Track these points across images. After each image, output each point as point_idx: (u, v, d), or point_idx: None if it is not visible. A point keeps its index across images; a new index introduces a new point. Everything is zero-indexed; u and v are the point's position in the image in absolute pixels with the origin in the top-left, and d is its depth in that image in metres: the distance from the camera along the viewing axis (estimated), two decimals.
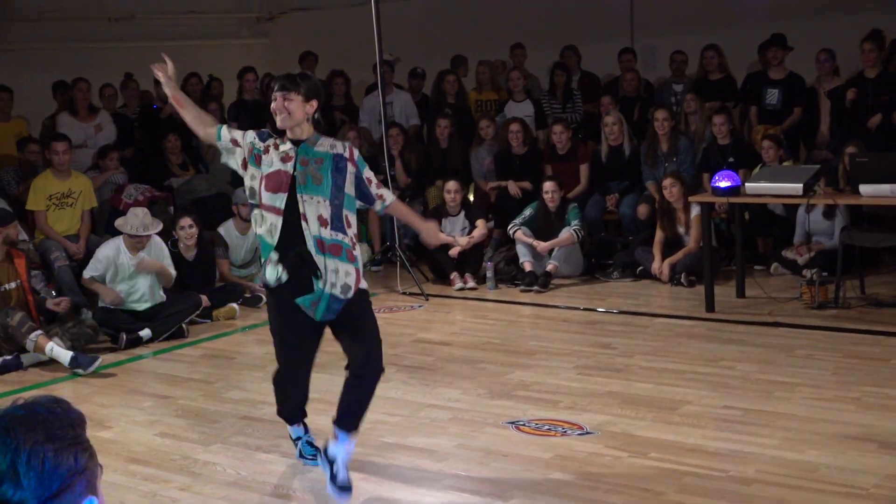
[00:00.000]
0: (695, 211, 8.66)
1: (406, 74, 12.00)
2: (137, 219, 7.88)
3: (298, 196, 4.43)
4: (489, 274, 9.06)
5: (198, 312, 8.01)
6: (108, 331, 7.59)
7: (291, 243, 4.46)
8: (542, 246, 9.09)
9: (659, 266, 8.81)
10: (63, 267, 8.33)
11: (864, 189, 7.15)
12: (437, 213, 9.54)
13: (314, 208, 4.43)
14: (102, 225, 9.24)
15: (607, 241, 9.74)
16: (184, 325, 7.81)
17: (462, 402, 5.79)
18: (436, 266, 9.43)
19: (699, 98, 10.09)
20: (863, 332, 6.84)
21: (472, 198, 10.28)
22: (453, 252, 9.20)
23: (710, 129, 9.62)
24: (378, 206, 4.74)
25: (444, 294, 8.92)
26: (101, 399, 6.26)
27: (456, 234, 9.34)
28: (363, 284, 4.60)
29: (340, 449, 4.50)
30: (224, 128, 4.75)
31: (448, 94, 11.24)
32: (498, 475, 4.67)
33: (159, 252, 7.99)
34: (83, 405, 5.97)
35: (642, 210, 9.52)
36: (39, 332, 6.98)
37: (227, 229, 9.08)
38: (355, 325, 4.55)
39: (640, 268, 9.03)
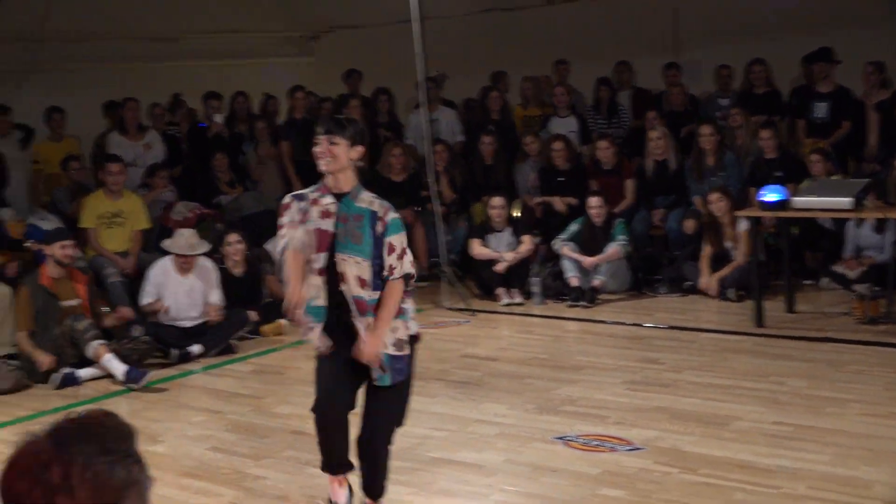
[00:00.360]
0: (742, 225, 8.60)
1: (452, 90, 12.04)
2: (184, 238, 7.97)
3: (337, 255, 4.22)
4: (535, 289, 9.05)
5: (246, 328, 8.07)
6: (159, 346, 7.68)
7: (335, 305, 4.28)
8: (588, 261, 9.06)
9: (706, 281, 8.75)
10: (115, 283, 8.43)
11: None
12: (483, 229, 9.55)
13: (353, 268, 4.20)
14: (152, 243, 9.33)
15: (654, 255, 9.69)
16: (233, 341, 7.87)
17: (509, 417, 5.78)
18: (482, 282, 9.43)
19: (745, 112, 10.02)
20: None
21: (517, 213, 10.27)
22: (499, 268, 9.20)
23: (756, 143, 9.56)
24: (384, 274, 4.26)
25: (491, 309, 8.92)
26: (152, 414, 6.32)
27: (502, 250, 9.34)
28: (413, 329, 4.37)
29: None
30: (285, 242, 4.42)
31: (492, 111, 11.25)
32: (546, 491, 4.66)
33: (207, 274, 8.07)
34: (135, 420, 6.03)
35: (689, 225, 9.47)
36: (102, 341, 7.12)
37: (276, 246, 9.12)
38: (380, 390, 4.33)
39: (688, 282, 8.98)
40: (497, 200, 9.43)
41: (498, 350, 7.47)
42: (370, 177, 10.87)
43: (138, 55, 12.60)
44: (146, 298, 7.93)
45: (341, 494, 4.58)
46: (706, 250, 8.90)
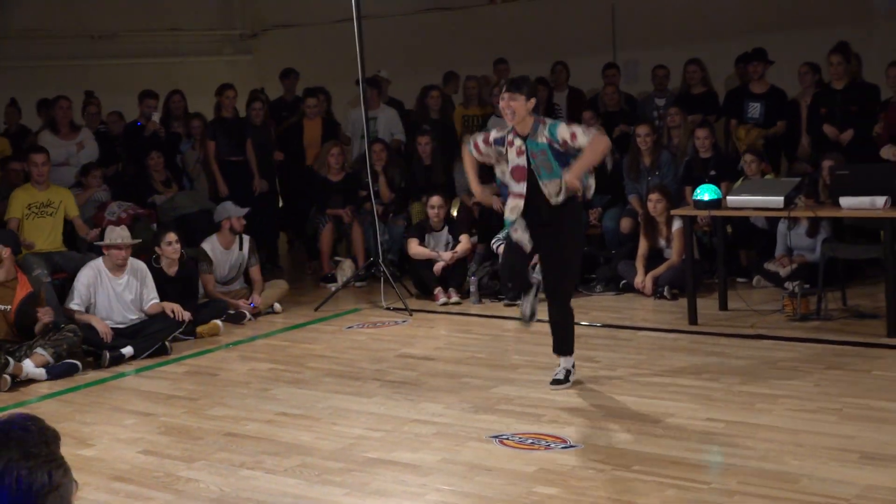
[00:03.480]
0: (677, 224, 8.69)
1: (394, 89, 12.04)
2: (115, 232, 7.89)
3: (540, 182, 5.78)
4: (473, 288, 9.07)
5: (181, 329, 7.99)
6: (90, 349, 7.56)
7: (530, 216, 5.88)
8: None
9: (642, 279, 8.83)
10: (45, 284, 8.30)
11: (845, 202, 7.19)
12: (421, 228, 9.55)
13: (551, 187, 5.77)
14: (86, 242, 9.21)
15: (590, 255, 9.72)
16: (167, 343, 7.79)
17: (446, 416, 5.79)
18: (419, 281, 9.43)
19: (682, 112, 10.13)
20: (844, 344, 6.87)
21: (455, 213, 10.29)
22: (437, 267, 9.21)
23: (692, 142, 9.66)
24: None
25: (428, 309, 8.92)
26: (83, 417, 6.23)
27: (440, 250, 9.35)
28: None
29: (560, 367, 6.22)
30: (471, 146, 6.13)
31: (432, 110, 11.26)
32: (482, 489, 4.67)
33: (144, 274, 7.99)
34: (65, 423, 5.99)
35: (625, 224, 9.55)
36: (12, 364, 6.94)
37: (212, 244, 9.06)
38: (550, 250, 6.01)
39: (623, 281, 9.05)
40: (435, 200, 9.44)
41: (435, 350, 7.48)
42: (308, 175, 10.87)
43: (75, 54, 12.44)
44: (74, 303, 7.78)
45: (526, 305, 6.38)
46: (642, 249, 8.99)
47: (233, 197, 10.11)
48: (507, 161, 5.92)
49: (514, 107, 5.70)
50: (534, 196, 5.84)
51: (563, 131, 5.72)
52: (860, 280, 8.61)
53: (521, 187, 5.85)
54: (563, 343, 6.24)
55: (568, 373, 6.22)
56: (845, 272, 8.11)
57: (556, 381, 6.19)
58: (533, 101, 5.75)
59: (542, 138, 5.76)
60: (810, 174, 8.88)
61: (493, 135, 5.99)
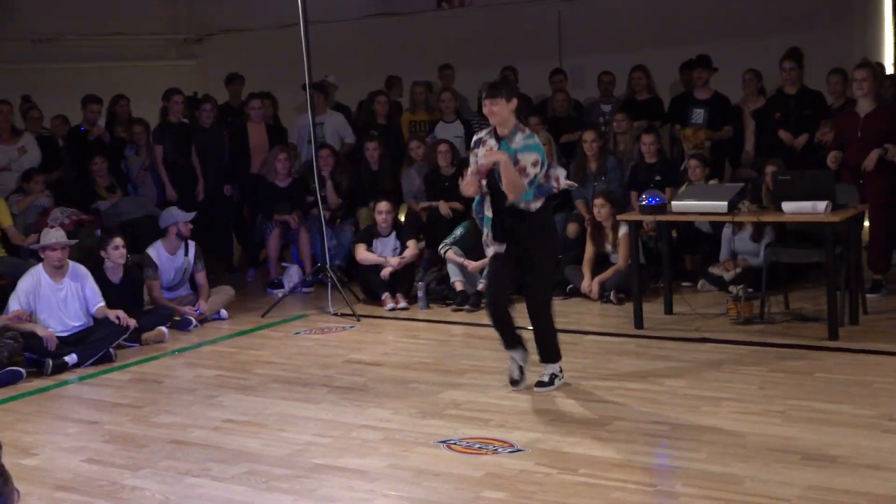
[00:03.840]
0: (623, 229, 8.75)
1: (341, 94, 12.01)
2: (49, 234, 7.80)
3: (498, 184, 5.85)
4: (420, 294, 9.07)
5: (125, 336, 7.90)
6: (32, 357, 7.44)
7: (499, 216, 5.99)
8: (472, 265, 9.11)
9: (588, 284, 8.89)
10: None
11: (787, 206, 7.28)
12: (369, 233, 9.53)
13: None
14: (25, 249, 9.08)
15: None
16: (111, 350, 7.70)
17: (394, 422, 5.79)
18: (367, 286, 9.42)
19: (628, 118, 10.22)
20: (787, 347, 6.96)
21: (403, 218, 10.29)
22: (384, 273, 9.20)
23: (638, 148, 9.75)
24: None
25: (376, 314, 8.91)
26: (25, 426, 6.14)
27: (387, 255, 9.34)
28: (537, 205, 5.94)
29: (546, 372, 6.26)
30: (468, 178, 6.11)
31: (379, 115, 11.24)
32: (429, 494, 4.68)
33: (84, 276, 7.89)
34: (6, 432, 5.90)
35: (571, 229, 9.61)
36: None
37: (157, 250, 8.97)
38: (526, 270, 6.05)
39: (570, 286, 9.10)
40: (383, 205, 9.42)
41: (383, 355, 7.47)
42: (255, 181, 10.81)
43: (17, 57, 12.27)
44: (12, 307, 7.66)
45: (514, 368, 6.29)
46: (589, 254, 9.04)
47: (181, 202, 10.03)
48: (476, 160, 6.04)
49: (496, 111, 5.84)
50: (495, 195, 5.97)
51: (526, 159, 5.82)
52: (802, 284, 8.73)
53: (483, 185, 6.00)
54: (549, 351, 6.27)
55: (553, 376, 6.27)
56: (788, 276, 8.22)
57: (539, 384, 6.25)
58: (514, 101, 5.87)
59: (514, 146, 5.86)
60: (754, 180, 9.00)
61: (472, 140, 6.17)
